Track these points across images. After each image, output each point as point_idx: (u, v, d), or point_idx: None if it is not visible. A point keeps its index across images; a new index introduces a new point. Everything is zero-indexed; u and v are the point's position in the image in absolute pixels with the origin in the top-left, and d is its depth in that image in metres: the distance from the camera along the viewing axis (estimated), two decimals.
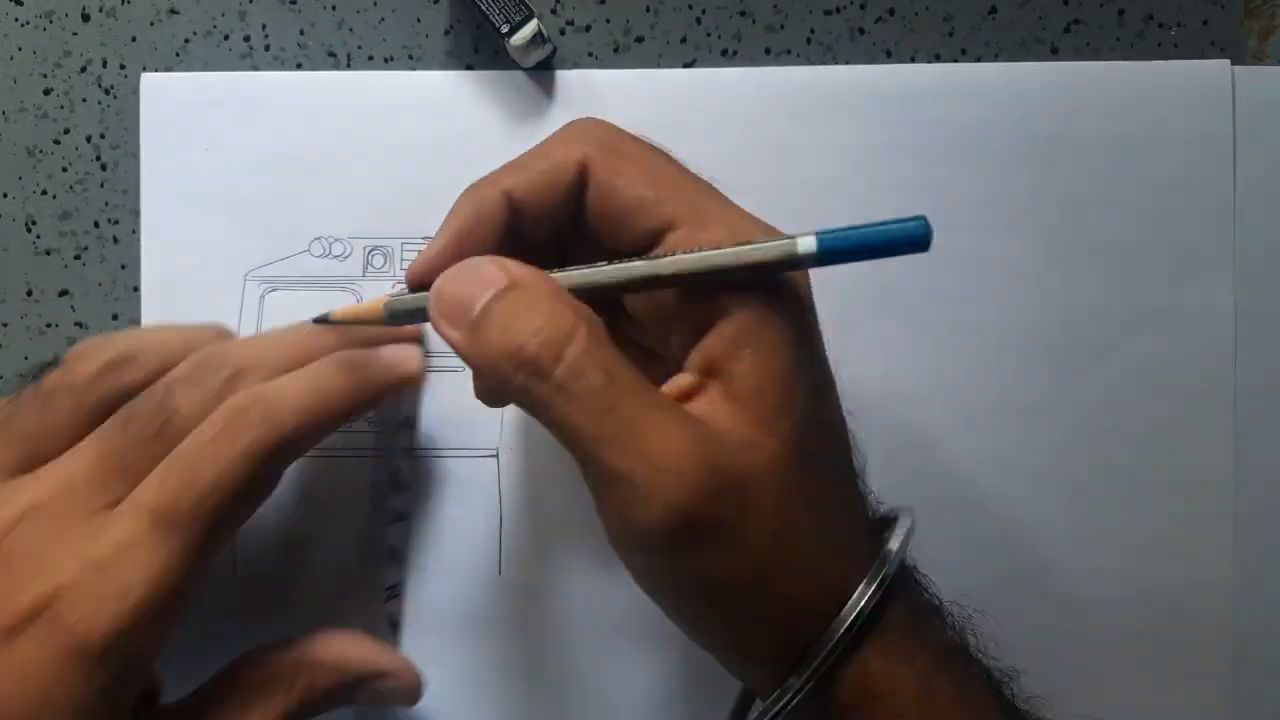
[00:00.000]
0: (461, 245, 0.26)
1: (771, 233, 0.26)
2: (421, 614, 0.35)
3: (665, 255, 0.25)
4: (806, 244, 0.24)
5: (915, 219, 0.24)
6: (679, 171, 0.27)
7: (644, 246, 0.26)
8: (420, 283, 0.27)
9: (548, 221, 0.27)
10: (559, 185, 0.27)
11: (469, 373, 0.35)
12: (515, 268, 0.25)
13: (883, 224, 0.24)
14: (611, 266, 0.25)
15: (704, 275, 0.25)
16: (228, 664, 0.30)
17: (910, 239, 0.24)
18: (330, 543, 0.35)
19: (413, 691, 0.32)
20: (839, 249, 0.24)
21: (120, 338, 0.30)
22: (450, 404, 0.35)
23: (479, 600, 0.35)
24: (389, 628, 0.35)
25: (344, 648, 0.31)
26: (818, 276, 0.35)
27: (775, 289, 0.26)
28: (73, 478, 0.27)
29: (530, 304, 0.24)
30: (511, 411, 0.35)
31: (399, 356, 0.32)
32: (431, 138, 0.35)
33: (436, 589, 0.35)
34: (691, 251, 0.25)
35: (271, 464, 0.28)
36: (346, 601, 0.35)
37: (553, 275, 0.26)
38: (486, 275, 0.25)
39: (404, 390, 0.34)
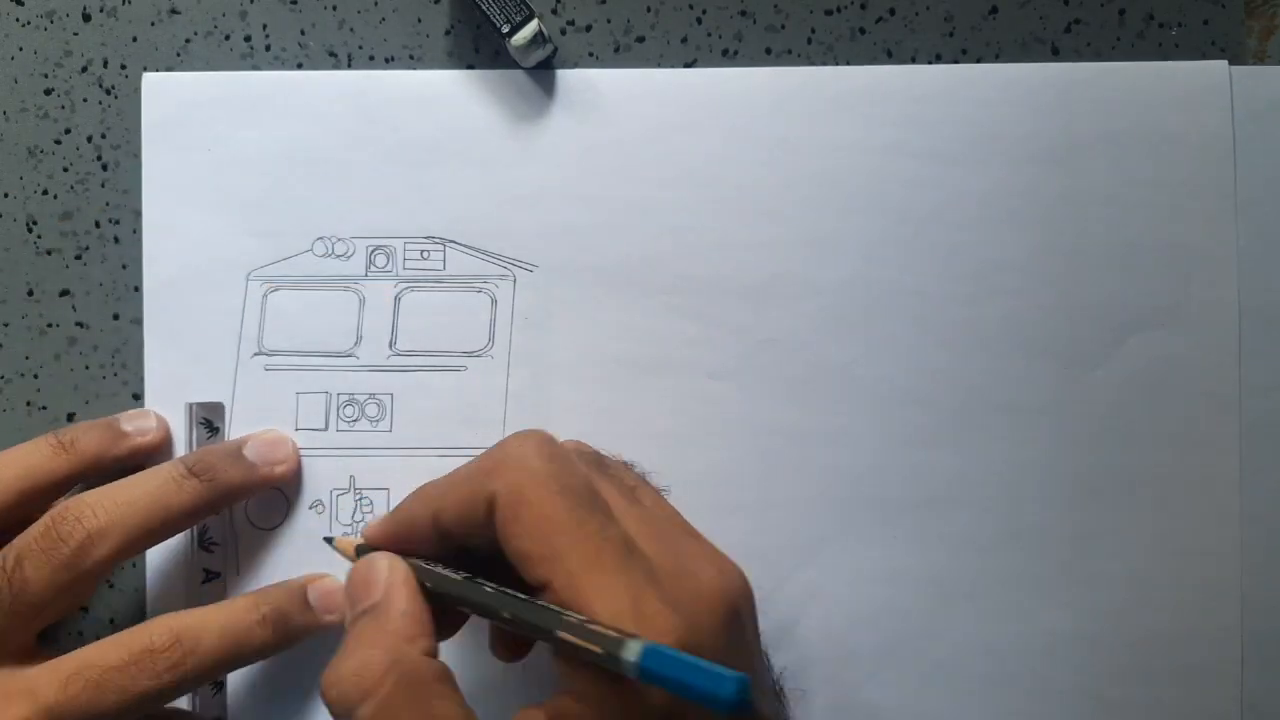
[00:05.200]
0: (397, 538, 0.30)
1: (649, 612, 0.25)
2: None
3: (537, 603, 0.26)
4: (632, 650, 0.24)
5: (738, 681, 0.23)
6: (573, 528, 0.26)
7: (535, 587, 0.27)
8: (369, 541, 0.30)
9: (475, 539, 0.28)
10: (474, 518, 0.28)
11: (472, 371, 0.35)
12: (394, 586, 0.28)
13: (711, 671, 0.23)
14: (486, 590, 0.27)
15: (550, 641, 0.25)
16: None
17: (725, 699, 0.23)
18: (274, 562, 0.35)
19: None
20: (657, 673, 0.24)
21: None
22: (452, 403, 0.35)
23: None
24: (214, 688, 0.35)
25: None
26: (817, 275, 0.35)
27: (616, 680, 0.25)
28: None
29: (360, 642, 0.27)
30: (515, 410, 0.35)
31: (265, 457, 0.34)
32: (432, 137, 0.35)
33: None
34: (545, 611, 0.26)
35: (170, 701, 0.30)
36: None
37: (444, 575, 0.28)
38: (373, 578, 0.29)
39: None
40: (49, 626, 0.32)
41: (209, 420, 0.35)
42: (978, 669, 0.35)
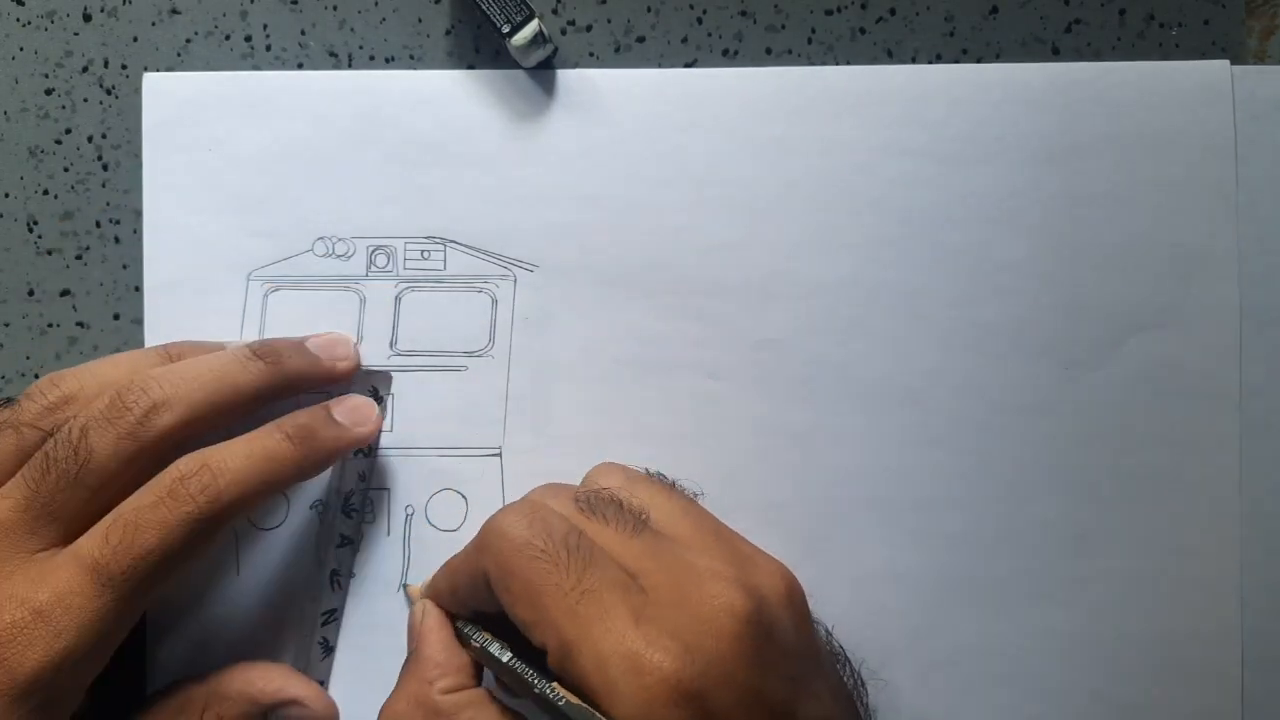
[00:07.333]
0: (446, 595, 0.32)
1: (634, 652, 0.26)
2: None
3: (534, 679, 0.28)
4: None
5: None
6: (552, 588, 0.27)
7: (540, 650, 0.28)
8: (425, 593, 0.33)
9: (494, 607, 0.29)
10: (482, 593, 0.29)
11: (472, 371, 0.35)
12: (425, 632, 0.31)
13: None
14: (503, 657, 0.29)
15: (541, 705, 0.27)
16: (149, 695, 0.33)
17: None
18: (274, 562, 0.35)
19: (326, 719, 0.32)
20: None
21: (69, 376, 0.31)
22: (453, 403, 0.35)
23: None
24: (322, 650, 0.35)
25: (253, 678, 0.32)
26: (817, 275, 0.35)
27: None
28: (5, 521, 0.29)
29: (397, 688, 0.30)
30: (515, 410, 0.35)
31: (353, 419, 0.33)
32: (433, 137, 0.35)
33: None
34: (535, 681, 0.28)
35: (209, 530, 0.29)
36: (283, 622, 0.35)
37: (475, 636, 0.30)
38: (411, 626, 0.32)
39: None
40: None
41: (376, 390, 0.35)
42: (977, 669, 0.35)
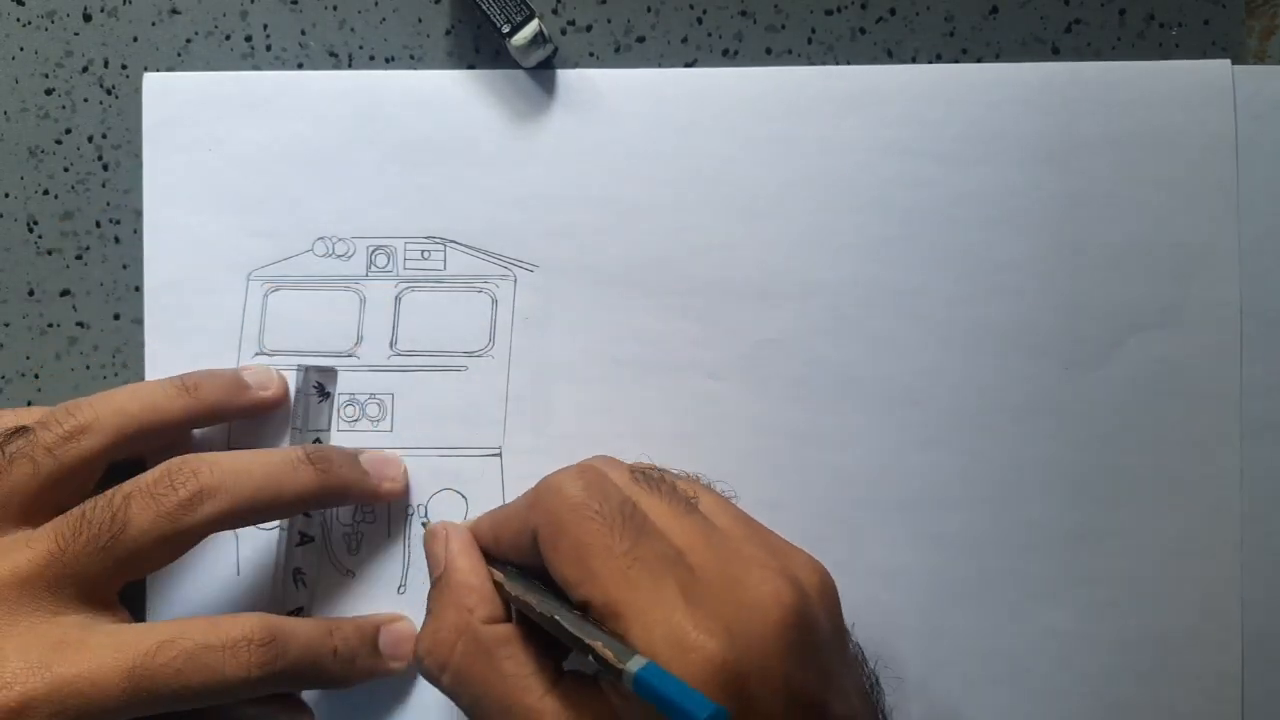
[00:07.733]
0: (487, 540, 0.32)
1: (682, 628, 0.25)
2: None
3: (575, 618, 0.27)
4: (634, 664, 0.24)
5: (715, 712, 0.24)
6: (604, 551, 0.27)
7: (580, 608, 0.28)
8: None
9: (534, 565, 0.29)
10: (526, 548, 0.29)
11: (472, 371, 0.35)
12: (454, 557, 0.31)
13: (697, 699, 0.24)
14: (540, 599, 0.28)
15: (578, 648, 0.26)
16: None
17: None
18: (271, 564, 0.35)
19: None
20: (648, 691, 0.24)
21: (84, 405, 0.31)
22: (453, 403, 0.35)
23: None
24: None
25: None
26: (817, 275, 0.35)
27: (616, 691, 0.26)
28: (24, 572, 0.29)
29: (432, 614, 0.30)
30: (515, 410, 0.35)
31: (379, 471, 0.34)
32: (433, 137, 0.35)
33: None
34: (575, 627, 0.27)
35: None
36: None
37: (508, 576, 0.30)
38: (435, 550, 0.32)
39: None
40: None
41: (321, 385, 0.35)
42: (977, 669, 0.35)
